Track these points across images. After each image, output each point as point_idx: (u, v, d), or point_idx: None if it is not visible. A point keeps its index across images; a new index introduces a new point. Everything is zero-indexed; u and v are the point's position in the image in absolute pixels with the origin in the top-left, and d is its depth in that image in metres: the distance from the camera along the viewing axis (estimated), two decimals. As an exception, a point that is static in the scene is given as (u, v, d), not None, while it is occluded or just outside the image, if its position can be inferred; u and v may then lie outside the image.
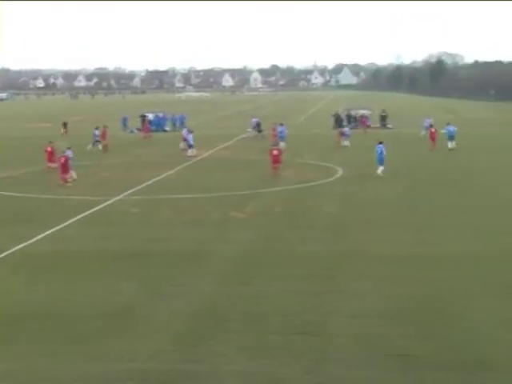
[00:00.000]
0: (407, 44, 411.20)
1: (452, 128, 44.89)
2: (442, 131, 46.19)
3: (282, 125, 49.83)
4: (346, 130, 50.76)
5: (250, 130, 59.14)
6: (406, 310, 13.95)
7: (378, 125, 66.28)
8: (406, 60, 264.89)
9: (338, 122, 65.00)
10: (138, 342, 12.64)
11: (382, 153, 33.24)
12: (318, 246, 19.47)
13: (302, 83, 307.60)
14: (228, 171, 36.17)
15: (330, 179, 32.60)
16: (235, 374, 11.29)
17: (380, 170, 32.94)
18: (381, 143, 33.82)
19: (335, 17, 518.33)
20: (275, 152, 34.81)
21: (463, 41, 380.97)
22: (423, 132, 52.20)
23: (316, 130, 61.43)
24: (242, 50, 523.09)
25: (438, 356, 11.61)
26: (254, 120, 59.04)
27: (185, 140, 44.87)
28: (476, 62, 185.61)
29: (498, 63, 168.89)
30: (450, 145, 43.76)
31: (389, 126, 65.63)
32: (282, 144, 45.50)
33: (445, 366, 11.23)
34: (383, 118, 67.42)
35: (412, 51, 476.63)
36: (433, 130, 45.76)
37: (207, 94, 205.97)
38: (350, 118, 67.66)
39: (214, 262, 18.14)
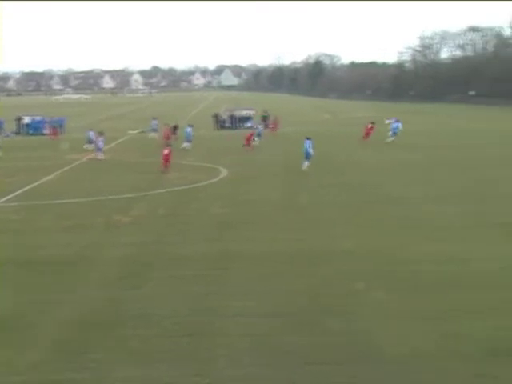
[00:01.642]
0: (287, 45, 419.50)
1: (396, 124, 48.92)
2: (387, 121, 50.23)
3: (190, 126, 49.87)
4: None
5: (144, 130, 58.43)
6: (291, 306, 14.16)
7: (260, 125, 67.17)
8: (287, 61, 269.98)
9: (219, 122, 65.42)
10: (18, 353, 12.11)
11: (308, 148, 33.87)
12: (204, 246, 19.44)
13: (183, 84, 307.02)
14: (111, 174, 35.55)
15: (214, 180, 32.69)
16: (122, 380, 11.05)
17: (305, 165, 33.67)
18: (308, 139, 34.40)
19: (215, 17, 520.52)
20: (166, 151, 35.19)
21: (339, 42, 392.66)
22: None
23: (200, 131, 61.34)
24: (123, 52, 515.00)
25: (325, 351, 11.86)
26: (154, 122, 58.50)
27: (91, 142, 43.88)
28: (352, 63, 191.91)
29: (373, 64, 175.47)
30: (389, 139, 47.94)
31: (271, 126, 66.66)
32: (187, 144, 45.78)
33: (331, 361, 11.49)
34: (265, 119, 68.39)
35: (292, 52, 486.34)
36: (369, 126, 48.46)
37: (87, 96, 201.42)
38: (233, 118, 68.21)
39: (99, 267, 17.71)
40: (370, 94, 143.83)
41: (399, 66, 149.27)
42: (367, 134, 49.98)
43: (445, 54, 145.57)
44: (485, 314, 13.32)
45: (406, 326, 12.89)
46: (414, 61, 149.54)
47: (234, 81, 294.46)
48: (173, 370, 11.35)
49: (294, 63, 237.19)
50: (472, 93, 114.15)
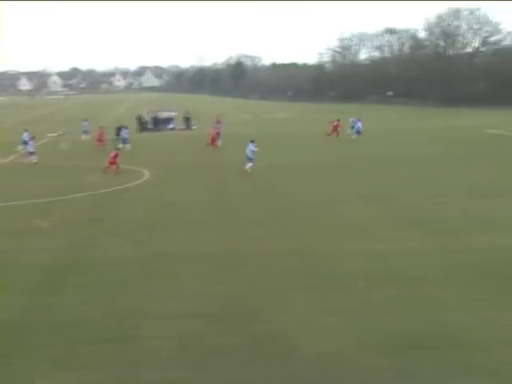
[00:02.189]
0: (208, 46, 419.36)
1: (358, 123, 50.98)
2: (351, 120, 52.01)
3: (126, 128, 49.33)
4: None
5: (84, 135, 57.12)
6: (217, 307, 14.15)
7: (182, 126, 66.96)
8: (208, 62, 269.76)
9: (142, 124, 64.79)
10: None
11: (251, 150, 33.88)
12: (128, 250, 19.19)
13: (104, 86, 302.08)
14: (31, 178, 34.67)
15: (136, 182, 32.32)
16: (45, 388, 10.81)
17: (248, 166, 33.60)
18: (252, 141, 34.50)
19: (134, 17, 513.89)
20: (113, 154, 35.56)
21: (260, 43, 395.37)
22: (350, 132, 52.59)
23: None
24: (40, 53, 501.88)
25: (249, 351, 11.90)
26: (85, 124, 57.24)
27: (26, 143, 42.63)
28: (274, 64, 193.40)
29: (294, 65, 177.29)
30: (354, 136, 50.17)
31: (194, 127, 66.48)
32: (127, 146, 45.27)
33: (254, 360, 11.53)
34: (187, 120, 68.13)
35: (213, 53, 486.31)
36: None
37: (2, 98, 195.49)
38: (155, 120, 67.65)
39: (18, 273, 17.18)
40: (292, 94, 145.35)
41: (319, 67, 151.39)
42: (334, 130, 52.45)
43: (363, 55, 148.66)
44: (399, 309, 13.65)
45: (325, 323, 13.08)
46: (333, 62, 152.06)
47: (156, 82, 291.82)
48: (96, 375, 11.14)
49: (215, 64, 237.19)
50: (390, 93, 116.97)
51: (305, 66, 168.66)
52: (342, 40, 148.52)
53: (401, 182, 30.34)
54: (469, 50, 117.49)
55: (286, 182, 31.22)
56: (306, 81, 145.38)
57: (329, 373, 10.94)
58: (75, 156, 43.45)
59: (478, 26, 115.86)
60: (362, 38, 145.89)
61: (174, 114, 70.95)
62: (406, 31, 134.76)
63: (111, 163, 35.25)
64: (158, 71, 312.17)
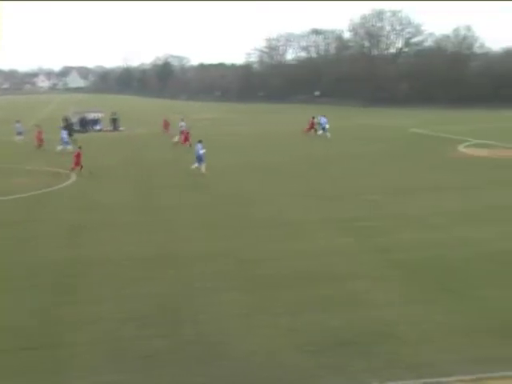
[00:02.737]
0: (134, 46, 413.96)
1: (323, 120, 52.23)
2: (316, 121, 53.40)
3: (64, 129, 49.07)
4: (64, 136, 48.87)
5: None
6: (148, 310, 14.07)
7: (109, 128, 66.05)
8: (135, 62, 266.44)
9: (69, 125, 63.53)
10: None
11: (199, 151, 33.56)
12: (56, 253, 18.83)
13: (27, 87, 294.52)
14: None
15: (63, 185, 31.71)
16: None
17: (195, 165, 33.38)
18: (200, 142, 34.23)
19: (57, 17, 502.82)
20: (76, 153, 35.42)
21: (188, 43, 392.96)
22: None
23: (48, 135, 59.10)
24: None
25: (178, 352, 11.88)
26: (18, 125, 55.81)
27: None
28: (201, 65, 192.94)
29: (222, 65, 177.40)
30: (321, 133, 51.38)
31: (121, 128, 65.67)
32: (69, 147, 44.51)
33: (184, 361, 11.53)
34: (114, 121, 67.23)
35: (139, 54, 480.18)
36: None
37: None
38: (83, 121, 66.54)
39: None
40: (220, 95, 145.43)
41: (247, 68, 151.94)
42: (309, 128, 53.96)
43: (290, 55, 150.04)
44: (327, 307, 13.90)
45: (254, 323, 13.21)
46: (261, 62, 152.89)
47: (81, 83, 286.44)
48: (23, 384, 10.91)
49: (142, 65, 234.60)
50: (317, 93, 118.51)
51: (233, 67, 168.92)
52: (269, 40, 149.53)
53: (330, 180, 30.79)
54: (392, 50, 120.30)
55: (223, 182, 31.23)
56: (233, 81, 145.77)
57: (257, 373, 11.02)
58: (9, 158, 42.22)
59: (400, 27, 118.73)
60: (289, 39, 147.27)
61: (100, 115, 69.92)
62: (332, 32, 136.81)
63: (77, 163, 34.78)
64: (83, 72, 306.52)
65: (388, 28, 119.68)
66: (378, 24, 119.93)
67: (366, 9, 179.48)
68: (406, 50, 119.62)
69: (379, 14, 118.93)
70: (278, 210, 24.17)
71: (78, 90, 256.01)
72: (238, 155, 41.66)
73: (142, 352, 11.90)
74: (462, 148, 42.76)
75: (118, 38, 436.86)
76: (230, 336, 12.56)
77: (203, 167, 33.42)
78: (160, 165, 37.88)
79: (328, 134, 51.65)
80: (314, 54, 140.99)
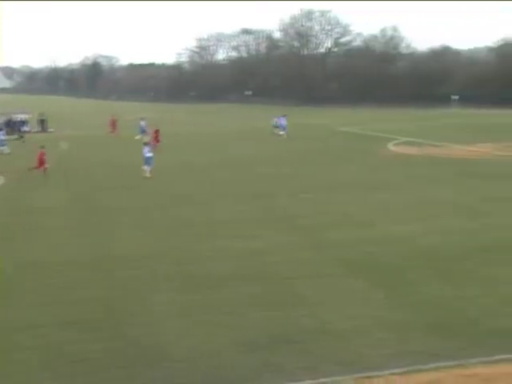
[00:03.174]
0: (62, 46, 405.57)
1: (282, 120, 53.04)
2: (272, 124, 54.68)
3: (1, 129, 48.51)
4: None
5: None
6: (85, 314, 13.90)
7: (37, 129, 64.69)
8: (63, 62, 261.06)
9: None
10: None
11: (146, 153, 32.98)
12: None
13: None
14: None
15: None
16: None
17: (145, 169, 32.68)
18: (145, 144, 33.87)
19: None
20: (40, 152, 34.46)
21: (117, 43, 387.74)
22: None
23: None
24: None
25: (119, 356, 11.82)
26: None
27: None
28: (131, 64, 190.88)
29: (152, 65, 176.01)
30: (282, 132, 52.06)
31: (50, 129, 64.42)
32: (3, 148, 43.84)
33: (125, 365, 11.48)
34: (42, 122, 65.89)
35: (67, 53, 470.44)
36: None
37: None
38: (9, 123, 64.98)
39: None
40: (152, 95, 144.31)
41: (178, 67, 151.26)
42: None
43: (221, 55, 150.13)
44: (267, 305, 14.07)
45: (194, 323, 13.22)
46: (192, 62, 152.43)
47: (7, 83, 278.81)
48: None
49: (70, 65, 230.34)
50: (248, 93, 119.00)
51: (163, 66, 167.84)
52: (199, 40, 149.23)
53: (264, 180, 31.02)
54: (322, 50, 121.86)
55: (160, 182, 31.03)
56: (165, 81, 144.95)
57: (199, 373, 11.08)
58: None
59: (329, 27, 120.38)
60: (220, 39, 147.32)
61: (26, 116, 68.33)
62: (262, 31, 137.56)
63: (41, 163, 33.95)
64: (8, 72, 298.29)
65: (317, 28, 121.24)
66: (308, 24, 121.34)
67: (296, 9, 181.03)
68: (335, 49, 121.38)
69: (308, 14, 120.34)
70: (215, 210, 24.23)
71: (3, 90, 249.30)
72: (173, 155, 41.44)
73: (80, 357, 11.77)
74: (391, 146, 43.78)
75: (45, 38, 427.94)
76: (170, 337, 12.56)
77: (146, 169, 32.84)
78: (97, 166, 37.39)
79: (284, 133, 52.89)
80: (244, 54, 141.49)
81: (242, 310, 13.82)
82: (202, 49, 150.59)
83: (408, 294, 14.44)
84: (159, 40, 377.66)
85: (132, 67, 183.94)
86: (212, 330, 12.80)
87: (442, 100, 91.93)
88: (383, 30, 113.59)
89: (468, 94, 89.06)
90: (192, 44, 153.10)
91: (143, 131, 53.10)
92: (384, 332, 12.32)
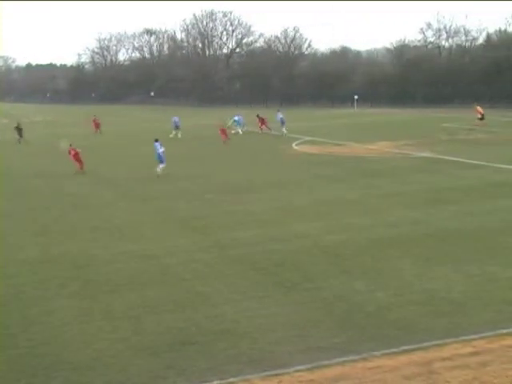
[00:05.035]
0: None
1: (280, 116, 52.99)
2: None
3: None
4: None
5: None
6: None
7: None
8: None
9: None
10: None
11: (159, 149, 31.82)
12: None
13: None
14: None
15: None
16: None
17: (160, 167, 31.55)
18: (157, 141, 32.33)
19: None
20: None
21: (13, 43, 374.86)
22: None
23: None
24: None
25: (14, 365, 11.31)
26: None
27: None
28: (29, 65, 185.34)
29: (52, 66, 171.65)
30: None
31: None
32: None
33: (20, 375, 10.99)
34: None
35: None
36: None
37: None
38: None
39: None
40: (50, 96, 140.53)
41: (78, 68, 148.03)
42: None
43: (123, 55, 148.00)
44: (168, 307, 13.82)
45: (91, 328, 12.82)
46: (93, 62, 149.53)
47: None
48: None
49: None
50: (152, 93, 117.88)
51: (63, 67, 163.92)
52: (100, 40, 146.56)
53: (163, 181, 30.68)
54: (225, 51, 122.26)
55: (58, 186, 30.12)
56: (65, 82, 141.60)
57: (100, 379, 10.73)
58: None
59: (232, 28, 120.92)
60: (121, 39, 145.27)
61: None
62: (165, 32, 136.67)
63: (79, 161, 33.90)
64: None
65: (220, 29, 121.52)
66: (210, 24, 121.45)
67: (198, 9, 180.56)
68: (238, 50, 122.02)
69: (211, 15, 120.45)
70: (113, 214, 23.74)
71: None
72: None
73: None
74: (294, 146, 44.30)
75: None
76: (69, 344, 12.11)
77: (161, 168, 31.65)
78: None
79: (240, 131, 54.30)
80: (147, 55, 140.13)
81: (142, 313, 13.48)
82: (103, 49, 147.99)
83: (309, 289, 14.52)
84: (58, 40, 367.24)
85: (30, 68, 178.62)
86: (112, 335, 12.41)
87: (343, 100, 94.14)
88: (285, 31, 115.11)
89: (367, 93, 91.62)
90: (93, 44, 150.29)
91: (176, 127, 53.69)
92: (288, 329, 12.33)
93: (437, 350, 11.06)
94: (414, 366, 10.56)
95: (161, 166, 31.90)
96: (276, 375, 10.56)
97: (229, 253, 17.79)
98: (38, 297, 14.81)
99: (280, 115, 53.94)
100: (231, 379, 10.51)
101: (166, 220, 22.37)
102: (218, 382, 10.46)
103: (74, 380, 10.75)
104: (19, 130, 54.61)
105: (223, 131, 47.44)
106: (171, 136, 51.44)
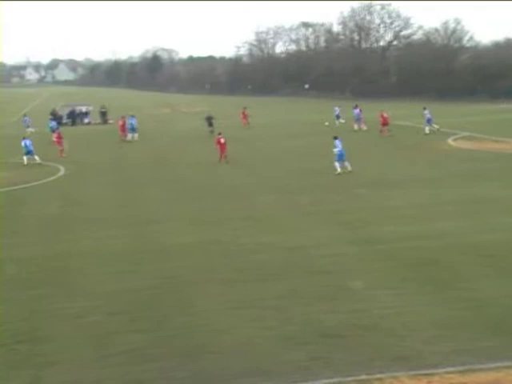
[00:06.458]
0: (123, 39, 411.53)
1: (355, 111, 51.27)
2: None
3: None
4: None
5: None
6: (133, 304, 13.97)
7: (99, 121, 65.85)
8: (123, 55, 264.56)
9: (57, 118, 63.37)
10: None
11: (337, 146, 30.56)
12: (39, 248, 18.72)
13: (15, 80, 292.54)
14: None
15: (51, 178, 31.56)
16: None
17: (348, 164, 30.45)
18: (336, 138, 31.18)
19: (44, 9, 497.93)
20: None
21: (176, 36, 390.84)
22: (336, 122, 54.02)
23: (33, 128, 58.96)
24: None
25: (168, 346, 11.82)
26: (26, 118, 59.84)
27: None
28: (190, 57, 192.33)
29: (211, 58, 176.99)
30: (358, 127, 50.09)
31: (110, 121, 65.37)
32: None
33: (175, 355, 11.46)
34: (103, 114, 66.97)
35: (128, 46, 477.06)
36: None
37: None
38: (72, 114, 66.64)
39: None
40: (209, 87, 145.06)
41: (236, 60, 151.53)
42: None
43: (280, 48, 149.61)
44: (314, 300, 13.84)
45: (242, 315, 13.13)
46: (250, 55, 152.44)
47: (70, 76, 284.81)
48: (7, 380, 10.80)
49: (131, 57, 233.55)
50: (306, 86, 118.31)
51: (222, 59, 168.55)
52: (258, 33, 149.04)
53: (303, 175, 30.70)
54: (382, 43, 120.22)
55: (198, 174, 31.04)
56: (223, 74, 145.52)
57: (243, 364, 10.98)
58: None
59: (389, 21, 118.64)
60: (278, 32, 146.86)
61: (89, 108, 69.87)
62: (321, 25, 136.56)
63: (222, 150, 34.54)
64: (72, 64, 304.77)
65: (377, 21, 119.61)
66: (368, 17, 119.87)
67: (356, 2, 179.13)
68: (395, 43, 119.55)
69: (368, 8, 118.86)
70: (262, 204, 24.10)
71: (66, 82, 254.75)
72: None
73: (124, 346, 11.83)
74: (450, 141, 42.78)
75: (107, 30, 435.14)
76: (218, 328, 12.49)
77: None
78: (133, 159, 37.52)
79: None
80: (303, 47, 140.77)
81: (288, 304, 13.59)
82: (261, 42, 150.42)
83: (461, 289, 13.98)
84: (218, 33, 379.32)
85: (191, 60, 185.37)
86: (257, 323, 12.64)
87: (508, 95, 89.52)
88: (445, 23, 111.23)
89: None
90: (251, 37, 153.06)
91: (358, 119, 51.64)
92: (437, 329, 11.97)
93: None
94: None
95: (338, 164, 30.30)
96: (425, 375, 10.30)
97: (377, 248, 17.52)
98: (191, 282, 15.37)
99: (428, 115, 51.30)
100: (378, 375, 10.38)
101: (315, 212, 22.36)
102: (366, 376, 10.37)
103: (221, 363, 11.08)
104: (210, 121, 52.54)
105: (385, 120, 46.84)
106: (326, 124, 50.36)
